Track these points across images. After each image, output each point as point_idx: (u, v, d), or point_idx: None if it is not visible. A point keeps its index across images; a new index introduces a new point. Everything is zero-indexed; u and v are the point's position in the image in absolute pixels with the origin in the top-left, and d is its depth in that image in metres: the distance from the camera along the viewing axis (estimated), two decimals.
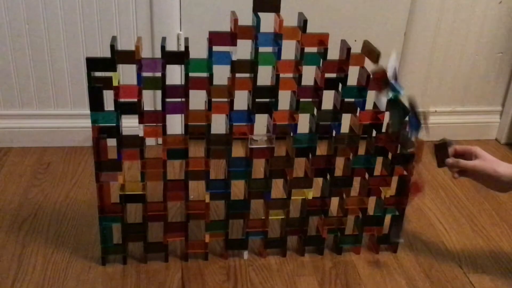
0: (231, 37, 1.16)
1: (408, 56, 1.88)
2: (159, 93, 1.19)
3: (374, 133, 1.32)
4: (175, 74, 1.70)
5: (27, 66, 1.73)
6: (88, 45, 1.72)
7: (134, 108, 1.18)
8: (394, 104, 1.25)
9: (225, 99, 1.21)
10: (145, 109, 1.20)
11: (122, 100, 1.17)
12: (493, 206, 1.65)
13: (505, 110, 2.04)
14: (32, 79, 1.76)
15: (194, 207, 1.31)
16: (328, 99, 1.28)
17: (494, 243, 1.48)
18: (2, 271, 1.28)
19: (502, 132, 2.06)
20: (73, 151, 1.82)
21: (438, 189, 1.73)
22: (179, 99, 1.19)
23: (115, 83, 1.14)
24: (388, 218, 1.39)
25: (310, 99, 1.26)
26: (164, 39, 1.16)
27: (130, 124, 1.25)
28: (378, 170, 1.35)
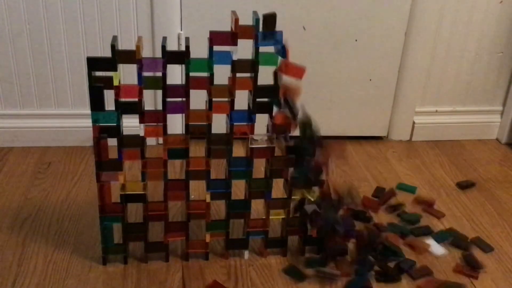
0: (231, 37, 1.16)
1: (409, 56, 1.88)
2: (159, 92, 1.19)
3: None
4: (175, 74, 1.70)
5: (27, 66, 1.74)
6: (89, 45, 1.72)
7: (135, 108, 1.18)
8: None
9: (226, 99, 1.21)
10: (145, 108, 1.20)
11: (122, 99, 1.17)
12: (494, 206, 1.65)
13: (505, 110, 2.04)
14: (33, 78, 1.76)
15: (195, 206, 1.31)
16: None
17: (495, 243, 1.48)
18: (3, 271, 1.28)
19: (502, 132, 2.06)
20: (73, 150, 1.82)
21: (439, 188, 1.73)
22: (179, 99, 1.19)
23: (115, 83, 1.14)
24: None
25: None
26: (164, 39, 1.16)
27: (130, 124, 1.26)
28: None
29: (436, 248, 1.42)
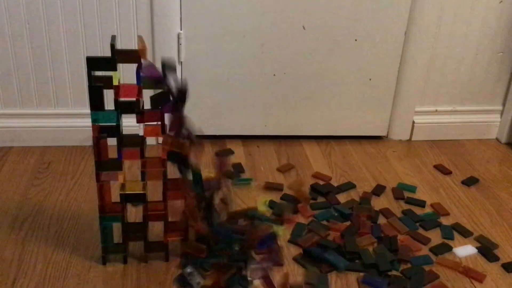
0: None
1: (409, 56, 1.88)
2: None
3: None
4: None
5: (27, 66, 1.73)
6: (88, 44, 1.72)
7: (135, 107, 1.18)
8: None
9: None
10: (145, 108, 1.20)
11: (122, 99, 1.17)
12: (493, 205, 1.65)
13: (505, 110, 2.04)
14: (33, 78, 1.76)
15: None
16: None
17: (494, 242, 1.48)
18: (3, 270, 1.28)
19: (502, 132, 2.06)
20: (73, 150, 1.82)
21: (439, 188, 1.73)
22: None
23: (115, 82, 1.14)
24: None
25: None
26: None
27: (130, 124, 1.26)
28: None
29: (463, 250, 1.44)
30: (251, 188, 1.62)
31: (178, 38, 1.74)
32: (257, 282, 1.11)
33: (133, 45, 1.71)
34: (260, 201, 1.31)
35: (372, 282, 1.27)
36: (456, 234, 1.50)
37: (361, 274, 1.31)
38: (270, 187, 1.63)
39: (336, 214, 1.53)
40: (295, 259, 1.35)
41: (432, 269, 1.35)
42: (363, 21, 1.81)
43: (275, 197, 1.59)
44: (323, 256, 1.33)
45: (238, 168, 1.73)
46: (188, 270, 1.11)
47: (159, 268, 1.32)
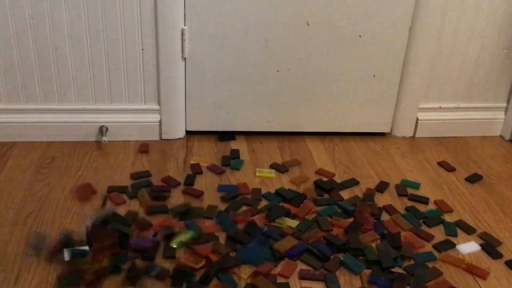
0: None
1: (413, 52, 1.87)
2: None
3: None
4: (178, 77, 1.70)
5: (31, 61, 1.74)
6: (92, 40, 1.71)
7: None
8: None
9: None
10: None
11: None
12: (497, 203, 1.65)
13: (509, 107, 2.04)
14: (36, 73, 1.76)
15: None
16: None
17: (498, 239, 1.48)
18: (6, 266, 1.28)
19: (506, 129, 2.05)
20: (77, 145, 1.82)
21: (443, 185, 1.73)
22: None
23: None
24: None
25: None
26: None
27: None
28: None
29: (467, 247, 1.43)
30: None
31: (182, 34, 1.74)
32: None
33: (136, 43, 1.71)
34: None
35: (378, 281, 1.27)
36: (459, 231, 1.50)
37: (365, 271, 1.31)
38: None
39: (339, 210, 1.54)
40: (299, 258, 1.35)
41: (435, 266, 1.35)
42: (368, 17, 1.80)
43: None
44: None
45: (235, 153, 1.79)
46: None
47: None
